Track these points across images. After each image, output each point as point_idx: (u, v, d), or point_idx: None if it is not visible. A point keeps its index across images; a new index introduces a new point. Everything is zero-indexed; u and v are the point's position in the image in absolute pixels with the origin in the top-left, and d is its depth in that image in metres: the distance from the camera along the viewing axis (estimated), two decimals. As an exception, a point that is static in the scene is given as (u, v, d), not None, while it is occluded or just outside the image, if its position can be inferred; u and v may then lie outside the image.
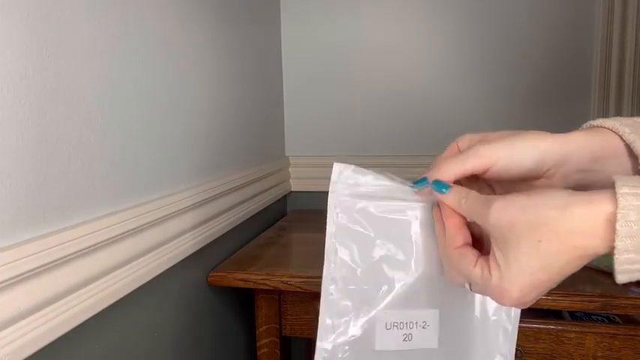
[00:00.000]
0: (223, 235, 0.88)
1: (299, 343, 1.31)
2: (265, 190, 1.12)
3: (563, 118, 1.14)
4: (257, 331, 0.88)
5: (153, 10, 0.67)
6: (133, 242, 0.61)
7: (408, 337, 0.43)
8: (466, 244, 0.40)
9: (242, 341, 0.99)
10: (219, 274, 0.82)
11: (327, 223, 0.45)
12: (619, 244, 0.31)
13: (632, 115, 1.03)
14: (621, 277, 0.32)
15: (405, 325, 0.43)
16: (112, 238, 0.56)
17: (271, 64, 1.21)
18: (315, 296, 0.82)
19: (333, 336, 0.44)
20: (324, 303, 0.44)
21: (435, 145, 1.22)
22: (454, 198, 0.39)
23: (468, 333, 0.44)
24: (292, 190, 1.33)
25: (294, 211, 1.31)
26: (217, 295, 0.88)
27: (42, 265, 0.46)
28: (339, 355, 0.44)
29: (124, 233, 0.59)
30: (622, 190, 0.31)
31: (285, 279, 0.78)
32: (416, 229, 0.43)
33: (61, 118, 0.50)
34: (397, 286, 0.43)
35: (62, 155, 0.50)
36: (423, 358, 0.44)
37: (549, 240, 0.33)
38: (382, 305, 0.43)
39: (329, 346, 0.44)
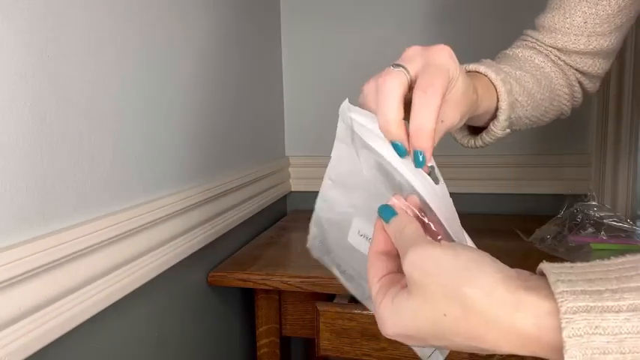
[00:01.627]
0: (223, 235, 0.88)
1: (299, 343, 1.31)
2: (265, 190, 1.12)
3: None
4: (257, 331, 0.88)
5: (153, 10, 0.67)
6: (133, 242, 0.61)
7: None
8: (385, 253, 0.36)
9: (242, 341, 0.99)
10: (219, 274, 0.82)
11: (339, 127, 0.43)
12: None
13: (631, 117, 1.03)
14: None
15: (370, 239, 0.40)
16: (111, 238, 0.56)
17: (271, 63, 1.21)
18: (316, 296, 0.82)
19: (325, 204, 0.45)
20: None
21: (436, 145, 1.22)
22: (393, 228, 0.35)
23: None
24: (292, 190, 1.33)
25: (294, 211, 1.31)
26: (217, 295, 0.88)
27: (42, 265, 0.46)
28: (323, 224, 0.47)
29: (124, 233, 0.59)
30: (558, 288, 0.26)
31: (285, 279, 0.78)
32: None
33: (61, 118, 0.50)
34: (370, 204, 0.40)
35: (62, 155, 0.50)
36: None
37: (456, 319, 0.29)
38: (358, 212, 0.43)
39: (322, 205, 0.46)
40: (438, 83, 0.35)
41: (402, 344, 0.72)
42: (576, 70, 0.62)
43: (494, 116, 0.52)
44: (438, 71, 0.36)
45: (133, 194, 0.63)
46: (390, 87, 0.36)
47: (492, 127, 0.53)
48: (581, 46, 0.59)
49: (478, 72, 0.52)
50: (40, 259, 0.46)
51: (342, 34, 1.24)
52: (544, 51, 0.62)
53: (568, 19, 0.58)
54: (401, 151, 0.36)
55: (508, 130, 0.54)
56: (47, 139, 0.48)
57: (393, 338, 0.33)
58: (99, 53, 0.56)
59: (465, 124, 0.56)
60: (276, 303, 0.86)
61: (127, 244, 0.60)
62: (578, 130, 1.13)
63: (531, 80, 0.58)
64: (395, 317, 0.32)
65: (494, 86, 0.51)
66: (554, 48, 0.61)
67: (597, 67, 0.61)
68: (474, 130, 0.57)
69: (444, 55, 0.37)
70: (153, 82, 0.67)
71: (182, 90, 0.76)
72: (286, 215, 1.28)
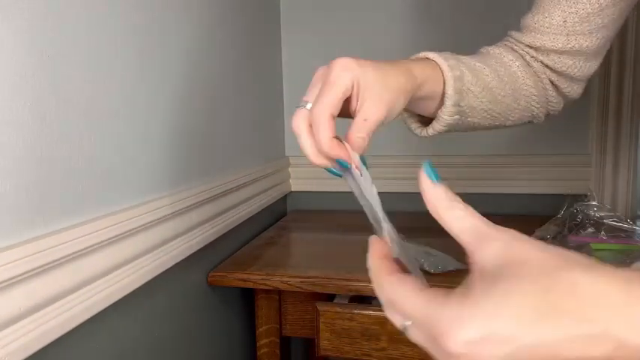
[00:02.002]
0: (223, 235, 0.88)
1: (299, 343, 1.31)
2: (265, 190, 1.12)
3: (563, 116, 1.13)
4: (257, 331, 0.88)
5: (153, 11, 0.67)
6: (133, 242, 0.61)
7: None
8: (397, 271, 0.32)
9: (242, 341, 0.99)
10: (219, 274, 0.82)
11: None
12: None
13: (631, 117, 1.03)
14: None
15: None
16: (111, 238, 0.56)
17: (271, 63, 1.21)
18: (316, 296, 0.82)
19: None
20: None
21: (433, 145, 1.22)
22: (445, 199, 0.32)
23: None
24: (292, 190, 1.33)
25: (294, 211, 1.31)
26: (217, 295, 0.88)
27: (42, 265, 0.46)
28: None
29: (123, 233, 0.59)
30: None
31: (285, 279, 0.78)
32: None
33: (61, 118, 0.50)
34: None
35: (62, 155, 0.50)
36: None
37: (562, 294, 0.24)
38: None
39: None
40: (324, 100, 0.39)
41: (401, 345, 0.72)
42: (554, 71, 0.61)
43: (442, 103, 0.53)
44: (325, 89, 0.40)
45: (133, 194, 0.63)
46: (297, 128, 0.40)
47: (440, 113, 0.53)
48: (560, 45, 0.58)
49: (427, 58, 0.53)
50: (40, 259, 0.46)
51: (342, 34, 1.24)
52: (520, 51, 0.61)
53: (547, 18, 0.58)
54: (336, 173, 0.41)
55: (457, 117, 0.54)
56: (47, 139, 0.48)
57: (468, 349, 0.24)
58: (99, 53, 0.56)
59: (416, 115, 0.57)
60: (276, 303, 0.86)
61: (126, 244, 0.60)
62: (578, 130, 1.13)
63: (491, 74, 0.57)
64: (482, 307, 0.24)
65: (442, 71, 0.52)
66: (532, 48, 0.60)
67: (578, 68, 0.60)
68: (425, 120, 0.58)
69: (334, 70, 0.41)
70: (152, 82, 0.67)
71: (182, 90, 0.76)
72: (286, 215, 1.28)
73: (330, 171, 0.40)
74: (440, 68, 0.52)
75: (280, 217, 1.25)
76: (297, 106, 0.41)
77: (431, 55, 0.53)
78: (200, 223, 0.79)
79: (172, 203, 0.70)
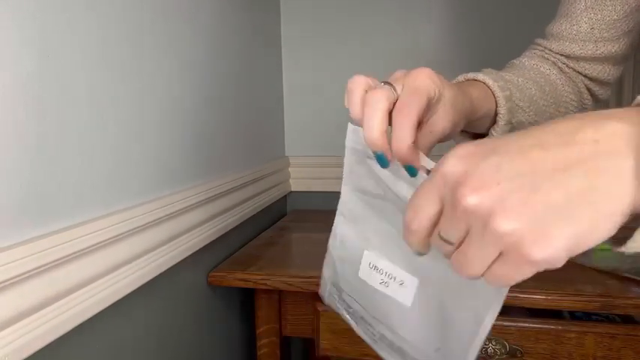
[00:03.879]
0: (223, 235, 0.88)
1: (299, 343, 1.31)
2: (265, 190, 1.12)
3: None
4: (257, 331, 0.88)
5: (153, 10, 0.67)
6: (132, 242, 0.61)
7: (385, 284, 0.43)
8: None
9: (242, 341, 0.99)
10: (219, 274, 0.82)
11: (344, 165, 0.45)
12: None
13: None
14: None
15: (383, 272, 0.43)
16: (111, 238, 0.56)
17: (271, 63, 1.21)
18: (315, 296, 0.82)
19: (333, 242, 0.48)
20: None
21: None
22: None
23: (451, 298, 0.41)
24: (292, 190, 1.33)
25: (294, 211, 1.31)
26: (217, 295, 0.88)
27: (42, 265, 0.46)
28: (335, 263, 0.48)
29: (123, 233, 0.59)
30: None
31: (285, 279, 0.78)
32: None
33: (62, 118, 0.50)
34: (383, 237, 0.43)
35: (62, 155, 0.50)
36: (397, 308, 0.43)
37: (547, 124, 0.29)
38: (370, 245, 0.44)
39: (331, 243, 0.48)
40: (413, 103, 0.38)
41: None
42: (585, 76, 0.63)
43: (494, 121, 0.55)
44: (414, 93, 0.39)
45: (133, 194, 0.63)
46: (377, 100, 0.38)
47: (492, 132, 0.55)
48: (589, 52, 0.60)
49: (477, 80, 0.55)
50: (40, 259, 0.46)
51: (342, 34, 1.24)
52: (552, 59, 0.63)
53: (575, 26, 0.60)
54: (383, 162, 0.39)
55: (507, 132, 0.56)
56: (47, 139, 0.48)
57: (460, 160, 0.28)
58: (99, 53, 0.56)
59: (467, 132, 0.57)
60: (276, 303, 0.86)
61: (126, 244, 0.60)
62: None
63: (534, 87, 0.59)
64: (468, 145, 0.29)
65: (493, 92, 0.54)
66: (562, 55, 0.62)
67: (607, 73, 0.63)
68: (479, 137, 0.59)
69: (421, 77, 0.40)
70: (153, 82, 0.67)
71: (182, 90, 0.76)
72: (286, 215, 1.28)
73: (379, 157, 0.39)
74: (491, 90, 0.54)
75: (280, 217, 1.25)
76: (383, 84, 0.40)
77: (480, 77, 0.55)
78: (200, 223, 0.79)
79: (172, 203, 0.70)
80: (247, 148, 1.04)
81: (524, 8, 1.13)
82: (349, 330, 0.74)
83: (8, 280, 0.42)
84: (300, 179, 1.31)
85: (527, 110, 0.58)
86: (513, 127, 0.57)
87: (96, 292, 0.54)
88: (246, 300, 0.99)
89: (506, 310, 0.76)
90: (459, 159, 0.29)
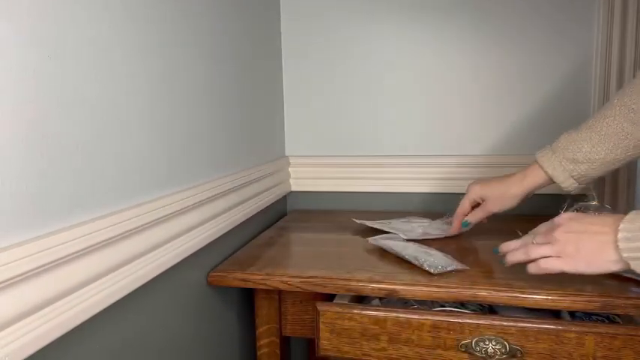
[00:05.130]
0: (223, 235, 0.88)
1: (299, 343, 1.31)
2: (265, 190, 1.12)
3: (563, 116, 1.14)
4: (257, 331, 0.88)
5: (153, 10, 0.67)
6: (133, 242, 0.61)
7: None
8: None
9: (242, 341, 0.99)
10: (219, 274, 0.82)
11: None
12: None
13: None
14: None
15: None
16: (112, 238, 0.56)
17: (271, 63, 1.21)
18: (316, 296, 0.82)
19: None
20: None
21: (434, 145, 1.22)
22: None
23: None
24: (292, 190, 1.33)
25: (294, 211, 1.31)
26: (217, 295, 0.88)
27: (42, 265, 0.46)
28: None
29: (123, 233, 0.59)
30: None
31: (285, 279, 0.78)
32: None
33: (62, 118, 0.50)
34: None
35: (63, 155, 0.50)
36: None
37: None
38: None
39: None
40: (462, 205, 0.95)
41: (401, 345, 0.72)
42: None
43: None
44: (464, 198, 0.94)
45: (133, 194, 0.63)
46: (463, 203, 0.95)
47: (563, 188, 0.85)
48: None
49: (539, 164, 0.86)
50: (40, 259, 0.46)
51: (342, 34, 1.24)
52: None
53: None
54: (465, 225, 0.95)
55: (576, 184, 0.84)
56: (47, 139, 0.48)
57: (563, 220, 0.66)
58: (99, 53, 0.56)
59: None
60: (276, 303, 0.86)
61: (126, 244, 0.60)
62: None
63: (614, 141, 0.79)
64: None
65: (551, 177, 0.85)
66: None
67: None
68: None
69: (470, 190, 0.94)
70: (153, 82, 0.67)
71: (182, 90, 0.76)
72: (286, 215, 1.28)
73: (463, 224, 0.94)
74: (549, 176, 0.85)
75: (280, 217, 1.25)
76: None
77: (546, 167, 0.84)
78: (200, 223, 0.79)
79: (172, 203, 0.70)
80: (247, 148, 1.04)
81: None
82: (349, 330, 0.74)
83: (8, 280, 0.42)
84: (300, 179, 1.31)
85: (597, 170, 0.81)
86: (589, 177, 0.83)
87: (96, 292, 0.54)
88: (246, 300, 0.99)
89: (507, 310, 0.76)
90: (564, 219, 0.66)
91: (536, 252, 0.65)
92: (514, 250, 0.68)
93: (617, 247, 0.58)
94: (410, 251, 0.82)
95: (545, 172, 0.83)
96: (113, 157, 0.59)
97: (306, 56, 1.27)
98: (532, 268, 0.65)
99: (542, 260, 0.64)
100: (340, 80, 1.25)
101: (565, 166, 0.81)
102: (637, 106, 0.75)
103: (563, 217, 0.65)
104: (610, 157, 0.78)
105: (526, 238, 0.68)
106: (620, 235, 0.57)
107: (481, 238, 0.96)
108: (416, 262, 0.79)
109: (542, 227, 0.68)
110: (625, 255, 0.57)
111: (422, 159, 1.22)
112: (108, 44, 0.58)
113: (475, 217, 0.92)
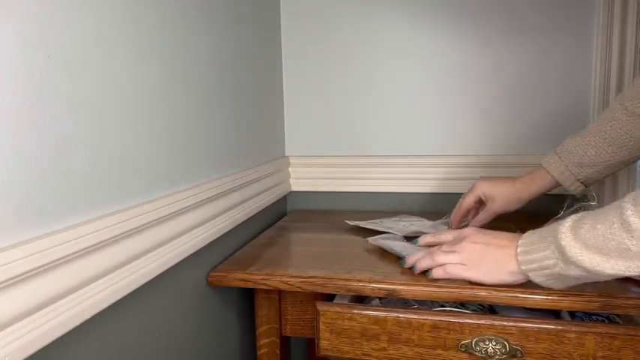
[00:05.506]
0: (223, 235, 0.88)
1: (299, 343, 1.31)
2: (265, 190, 1.12)
3: (563, 117, 1.14)
4: (257, 331, 0.88)
5: (154, 10, 0.67)
6: (132, 242, 0.61)
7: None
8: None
9: (242, 341, 0.99)
10: (219, 274, 0.82)
11: None
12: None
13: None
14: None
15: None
16: (111, 238, 0.56)
17: (271, 63, 1.21)
18: (316, 296, 0.82)
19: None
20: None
21: (434, 145, 1.22)
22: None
23: None
24: (292, 190, 1.33)
25: (294, 211, 1.31)
26: (217, 295, 0.88)
27: (42, 265, 0.46)
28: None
29: (123, 233, 0.59)
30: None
31: (285, 279, 0.78)
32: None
33: (62, 118, 0.50)
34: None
35: (63, 155, 0.50)
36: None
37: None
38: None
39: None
40: (462, 203, 0.96)
41: (401, 345, 0.72)
42: None
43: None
44: (464, 197, 0.95)
45: (133, 194, 0.63)
46: (463, 201, 0.96)
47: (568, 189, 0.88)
48: None
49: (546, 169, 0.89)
50: (41, 258, 0.46)
51: (342, 34, 1.24)
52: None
53: None
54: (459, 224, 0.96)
55: (582, 186, 0.87)
56: (48, 139, 0.48)
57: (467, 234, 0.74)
58: (99, 53, 0.56)
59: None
60: (276, 303, 0.86)
61: (127, 244, 0.60)
62: (577, 130, 1.13)
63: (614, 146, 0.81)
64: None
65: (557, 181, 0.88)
66: None
67: None
68: None
69: (476, 186, 0.95)
70: (153, 82, 0.67)
71: (182, 90, 0.76)
72: (286, 215, 1.28)
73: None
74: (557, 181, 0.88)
75: (280, 217, 1.25)
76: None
77: (553, 172, 0.87)
78: (200, 223, 0.79)
79: (172, 203, 0.70)
80: (247, 148, 1.04)
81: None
82: (349, 330, 0.74)
83: (8, 280, 0.42)
84: (300, 179, 1.31)
85: (601, 172, 0.83)
86: (594, 179, 0.86)
87: (96, 292, 0.54)
88: (246, 300, 0.99)
89: (507, 310, 0.76)
90: (471, 231, 0.74)
91: (443, 258, 0.72)
92: (421, 258, 0.75)
93: (517, 260, 0.65)
94: (410, 251, 0.82)
95: (552, 177, 0.87)
96: (113, 157, 0.59)
97: (306, 56, 1.27)
98: (437, 272, 0.72)
99: (448, 265, 0.71)
100: (340, 80, 1.25)
101: (572, 170, 0.85)
102: (639, 110, 0.77)
103: (471, 229, 0.74)
104: (616, 159, 0.81)
105: (430, 248, 0.78)
106: (519, 250, 0.65)
107: (481, 238, 0.96)
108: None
109: (449, 235, 0.77)
110: (524, 267, 0.64)
111: (424, 159, 1.23)
112: (108, 45, 0.58)
113: (479, 222, 0.92)
